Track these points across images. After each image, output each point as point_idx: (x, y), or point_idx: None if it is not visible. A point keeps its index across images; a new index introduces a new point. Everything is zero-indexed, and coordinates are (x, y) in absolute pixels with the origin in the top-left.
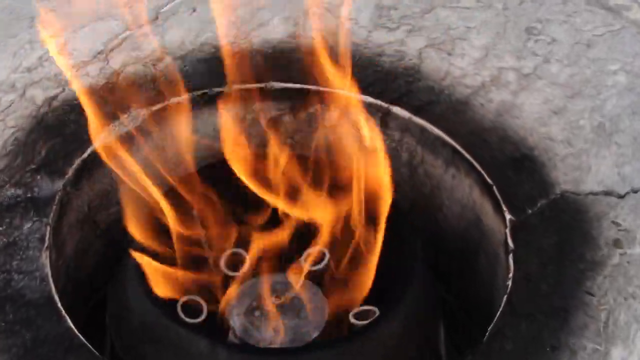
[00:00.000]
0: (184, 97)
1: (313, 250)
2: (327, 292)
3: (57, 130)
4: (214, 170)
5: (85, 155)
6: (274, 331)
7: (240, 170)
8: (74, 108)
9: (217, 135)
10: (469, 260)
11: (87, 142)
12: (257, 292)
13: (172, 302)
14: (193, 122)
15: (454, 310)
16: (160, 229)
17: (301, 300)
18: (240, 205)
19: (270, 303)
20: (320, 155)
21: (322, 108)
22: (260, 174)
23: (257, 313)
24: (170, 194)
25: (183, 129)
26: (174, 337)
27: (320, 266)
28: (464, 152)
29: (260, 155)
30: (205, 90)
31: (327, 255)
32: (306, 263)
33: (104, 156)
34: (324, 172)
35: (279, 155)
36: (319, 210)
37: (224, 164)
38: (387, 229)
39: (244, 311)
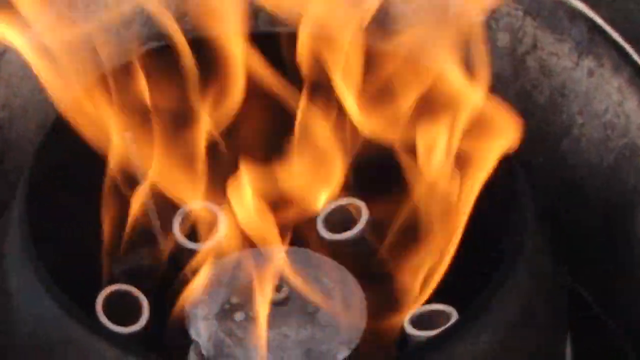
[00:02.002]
0: None
1: (343, 203)
2: (365, 282)
3: None
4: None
5: None
6: (269, 349)
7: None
8: None
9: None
10: (617, 225)
11: None
12: (238, 280)
13: (87, 297)
14: None
15: (591, 314)
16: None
17: (320, 295)
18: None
19: (262, 299)
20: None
21: None
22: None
23: (238, 316)
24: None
25: None
26: (90, 357)
27: (355, 233)
28: (609, 29)
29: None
30: None
31: (366, 214)
32: (324, 224)
33: None
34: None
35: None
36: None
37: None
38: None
39: (216, 313)
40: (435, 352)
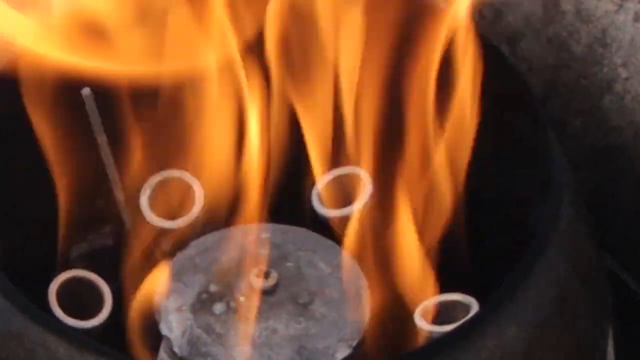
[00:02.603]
0: None
1: (341, 174)
2: (369, 267)
3: None
4: None
5: None
6: (255, 347)
7: None
8: None
9: None
10: None
11: None
12: (217, 265)
13: (39, 285)
14: None
15: (636, 303)
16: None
17: (315, 282)
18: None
19: (246, 287)
20: None
21: None
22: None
23: (217, 308)
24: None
25: None
26: (41, 356)
27: (356, 208)
28: None
29: None
30: None
31: (369, 186)
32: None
33: None
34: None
35: None
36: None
37: None
38: (497, 133)
39: (192, 304)
40: (452, 350)
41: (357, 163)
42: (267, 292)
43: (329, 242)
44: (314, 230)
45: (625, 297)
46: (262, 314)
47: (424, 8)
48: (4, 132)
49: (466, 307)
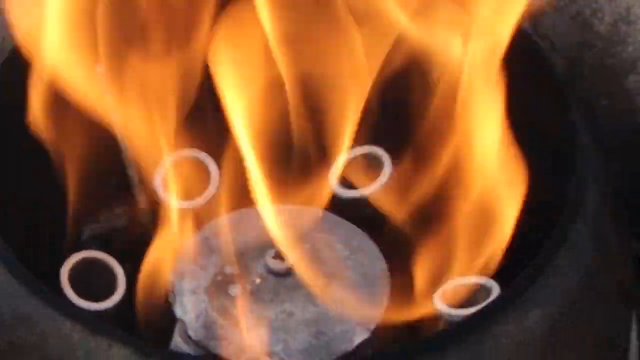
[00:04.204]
0: None
1: (360, 154)
2: (388, 249)
3: None
4: None
5: None
6: (271, 331)
7: None
8: None
9: None
10: None
11: None
12: (233, 246)
13: (48, 264)
14: None
15: None
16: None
17: (333, 264)
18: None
19: (262, 269)
20: None
21: None
22: None
23: (233, 290)
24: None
25: None
26: (53, 339)
27: (376, 189)
28: None
29: None
30: None
31: (389, 165)
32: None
33: None
34: None
35: None
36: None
37: None
38: (520, 115)
39: (206, 286)
40: (473, 334)
41: (377, 142)
42: (283, 275)
43: (347, 223)
44: (332, 211)
45: None
46: (278, 297)
47: None
48: (15, 111)
49: (487, 290)
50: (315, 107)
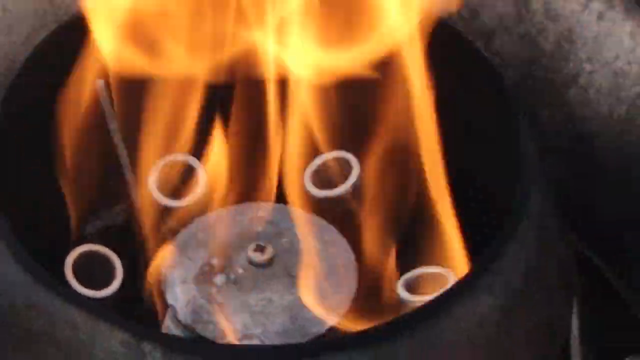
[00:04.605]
0: None
1: (331, 157)
2: (356, 242)
3: None
4: None
5: None
6: (252, 315)
7: None
8: None
9: None
10: (631, 183)
11: None
12: (218, 240)
13: (53, 256)
14: None
15: (600, 279)
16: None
17: (307, 256)
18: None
19: (245, 261)
20: None
21: None
22: None
23: (218, 279)
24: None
25: None
26: (59, 324)
27: (345, 189)
28: None
29: None
30: None
31: (357, 168)
32: (310, 178)
33: None
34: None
35: None
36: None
37: None
38: (472, 124)
39: (195, 276)
40: (432, 318)
41: (346, 148)
42: (263, 266)
43: (320, 220)
44: (306, 209)
45: (588, 273)
46: (259, 285)
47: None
48: (26, 120)
49: (444, 279)
50: (291, 115)
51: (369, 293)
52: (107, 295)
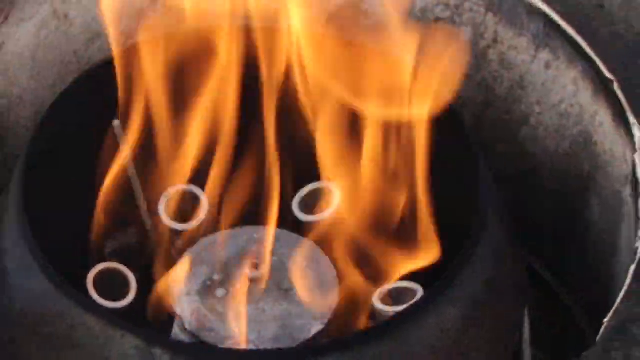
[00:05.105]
0: None
1: (316, 187)
2: (337, 260)
3: None
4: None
5: None
6: (248, 324)
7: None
8: None
9: None
10: (573, 208)
11: None
12: (219, 259)
13: (76, 272)
14: None
15: (547, 290)
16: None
17: (295, 272)
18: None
19: (242, 276)
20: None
21: None
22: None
23: (219, 292)
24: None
25: None
26: (80, 331)
27: (328, 215)
28: (564, 24)
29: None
30: None
31: (338, 197)
32: (299, 204)
33: None
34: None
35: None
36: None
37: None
38: (437, 157)
39: (199, 290)
40: (403, 326)
41: (329, 178)
42: (257, 280)
43: (306, 240)
44: (294, 231)
45: (539, 286)
46: (254, 297)
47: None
48: (54, 156)
49: (414, 293)
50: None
51: (348, 304)
52: (123, 306)
